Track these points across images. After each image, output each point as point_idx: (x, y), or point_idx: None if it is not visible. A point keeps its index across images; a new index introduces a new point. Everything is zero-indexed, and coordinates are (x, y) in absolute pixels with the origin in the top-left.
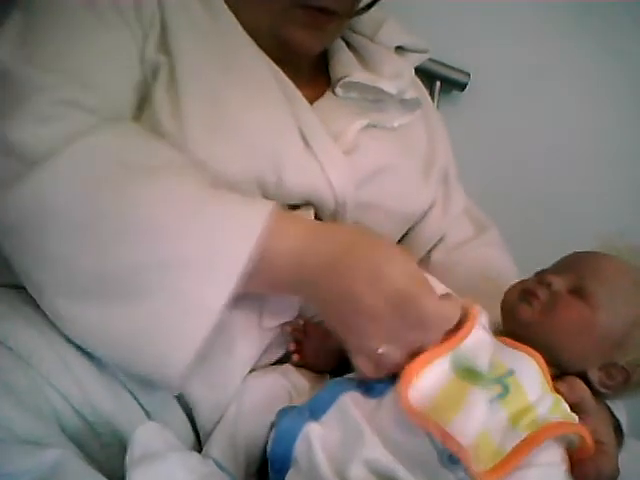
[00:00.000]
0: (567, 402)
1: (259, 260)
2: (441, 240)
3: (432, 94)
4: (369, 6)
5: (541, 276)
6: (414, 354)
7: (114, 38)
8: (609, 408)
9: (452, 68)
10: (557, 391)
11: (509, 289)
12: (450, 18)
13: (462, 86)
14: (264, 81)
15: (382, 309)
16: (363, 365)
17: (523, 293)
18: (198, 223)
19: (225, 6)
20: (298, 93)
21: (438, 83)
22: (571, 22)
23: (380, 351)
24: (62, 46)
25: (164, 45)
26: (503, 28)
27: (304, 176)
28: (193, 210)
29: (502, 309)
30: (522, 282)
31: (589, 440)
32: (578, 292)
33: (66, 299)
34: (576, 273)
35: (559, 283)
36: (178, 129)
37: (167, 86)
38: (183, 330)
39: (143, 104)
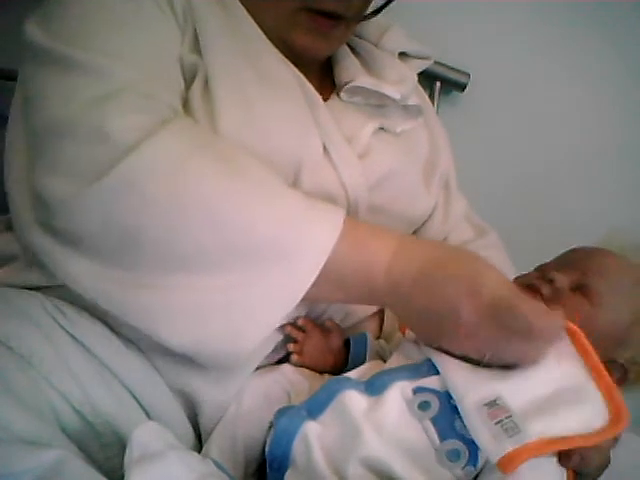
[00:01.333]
0: None
1: (346, 263)
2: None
3: (432, 95)
4: (377, 11)
5: (544, 272)
6: None
7: (165, 33)
8: None
9: (452, 68)
10: None
11: None
12: (450, 18)
13: (462, 87)
14: (287, 84)
15: (479, 323)
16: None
17: (526, 289)
18: (288, 210)
19: (244, 10)
20: (318, 97)
21: (438, 83)
22: (571, 22)
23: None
24: (126, 38)
25: (196, 46)
26: (503, 28)
27: (320, 179)
28: (281, 198)
29: None
30: (524, 277)
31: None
32: (581, 289)
33: (159, 276)
34: (579, 270)
35: (562, 280)
36: (211, 128)
37: (202, 89)
38: (264, 307)
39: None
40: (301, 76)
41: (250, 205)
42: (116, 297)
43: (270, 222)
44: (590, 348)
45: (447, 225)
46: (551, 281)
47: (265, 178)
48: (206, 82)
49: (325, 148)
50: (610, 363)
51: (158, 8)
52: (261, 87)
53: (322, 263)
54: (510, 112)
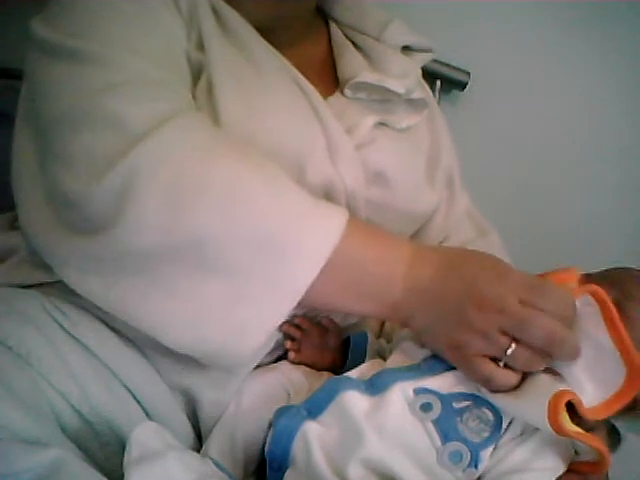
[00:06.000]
0: None
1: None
2: (444, 241)
3: (432, 93)
4: None
5: None
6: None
7: (172, 28)
8: None
9: (452, 67)
10: None
11: None
12: (450, 18)
13: (462, 85)
14: (283, 76)
15: (512, 300)
16: (490, 370)
17: None
18: (292, 205)
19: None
20: (314, 89)
21: (438, 82)
22: (571, 21)
23: (509, 351)
24: (133, 30)
25: (202, 45)
26: (503, 28)
27: (321, 172)
28: (285, 191)
29: None
30: None
31: (607, 460)
32: None
33: (156, 267)
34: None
35: None
36: (216, 126)
37: (206, 87)
38: (266, 303)
39: None
40: (294, 70)
41: (263, 196)
42: (106, 293)
43: (278, 216)
44: (615, 316)
45: (449, 223)
46: None
47: (276, 173)
48: (209, 81)
49: (328, 142)
50: None
51: (162, 4)
52: (261, 85)
53: (325, 259)
54: (510, 111)
